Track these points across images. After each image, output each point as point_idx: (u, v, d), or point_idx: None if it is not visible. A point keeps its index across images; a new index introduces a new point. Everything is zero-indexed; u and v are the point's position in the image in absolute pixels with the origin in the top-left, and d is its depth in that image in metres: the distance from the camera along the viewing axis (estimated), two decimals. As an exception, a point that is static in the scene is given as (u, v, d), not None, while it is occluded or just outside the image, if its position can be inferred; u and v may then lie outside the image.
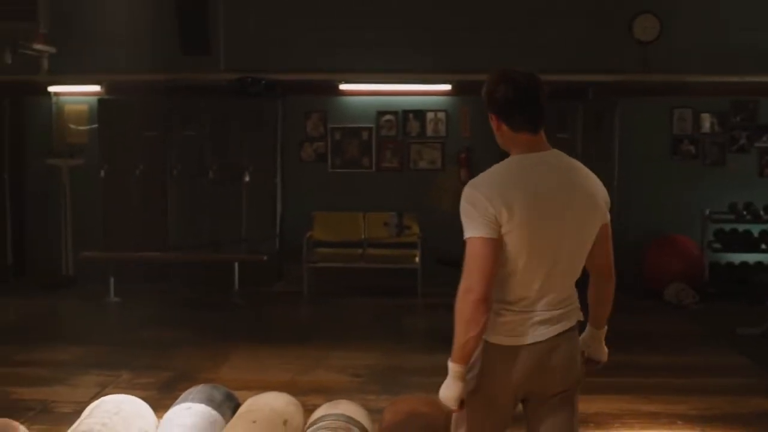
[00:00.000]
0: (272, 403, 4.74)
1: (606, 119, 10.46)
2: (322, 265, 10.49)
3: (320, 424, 4.43)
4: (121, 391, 5.40)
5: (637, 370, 6.97)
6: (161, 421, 4.61)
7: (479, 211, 2.94)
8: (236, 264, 9.89)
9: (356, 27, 10.80)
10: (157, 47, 10.54)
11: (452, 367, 2.97)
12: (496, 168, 3.09)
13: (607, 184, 10.72)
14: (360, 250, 10.75)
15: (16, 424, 4.52)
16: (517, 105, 3.06)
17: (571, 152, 10.34)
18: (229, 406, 4.86)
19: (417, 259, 10.33)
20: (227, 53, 10.82)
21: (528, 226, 2.96)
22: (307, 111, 11.14)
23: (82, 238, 10.81)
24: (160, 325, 8.75)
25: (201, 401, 4.75)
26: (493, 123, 3.14)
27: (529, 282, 3.01)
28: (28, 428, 4.98)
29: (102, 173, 10.81)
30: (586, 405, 5.84)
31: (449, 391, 2.98)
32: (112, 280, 9.84)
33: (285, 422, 4.50)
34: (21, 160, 11.26)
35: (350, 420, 4.49)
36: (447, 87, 10.89)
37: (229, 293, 9.83)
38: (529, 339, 3.02)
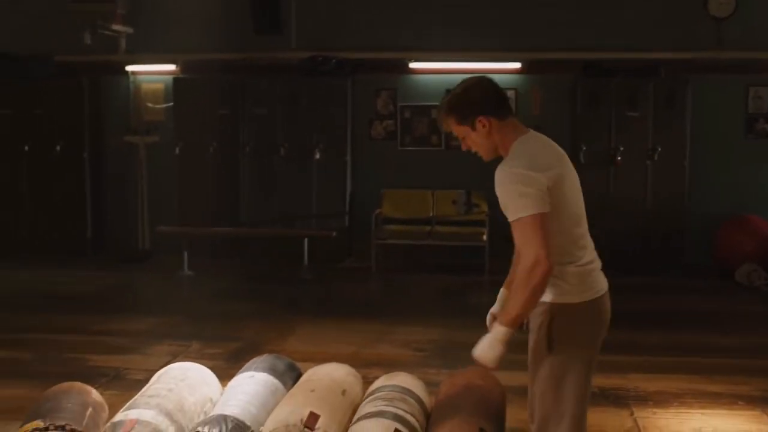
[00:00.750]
0: (332, 373, 4.87)
1: (678, 98, 10.30)
2: (390, 241, 10.61)
3: (377, 394, 4.54)
4: (190, 360, 5.56)
5: (703, 350, 6.95)
6: (225, 388, 4.79)
7: (534, 188, 3.10)
8: (306, 240, 10.06)
9: (426, 5, 10.85)
10: (230, 27, 10.77)
11: (505, 331, 3.17)
12: (524, 148, 3.25)
13: (679, 163, 10.63)
14: (428, 228, 10.83)
15: (89, 388, 4.74)
16: (494, 94, 3.30)
17: (643, 131, 10.22)
18: (291, 376, 5.00)
19: (484, 237, 10.36)
20: (299, 32, 10.99)
21: (571, 190, 3.25)
22: (377, 89, 11.24)
23: (158, 214, 11.12)
24: (230, 298, 9.00)
25: (264, 370, 4.91)
26: (482, 127, 3.28)
27: (584, 239, 3.32)
28: (102, 393, 5.20)
29: (177, 150, 11.08)
30: (645, 383, 5.92)
31: (494, 352, 3.19)
32: (185, 254, 10.11)
33: (343, 392, 4.63)
34: (100, 138, 11.61)
35: (406, 391, 4.59)
36: (517, 65, 10.85)
37: (299, 268, 10.02)
38: (605, 285, 3.33)
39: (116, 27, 10.71)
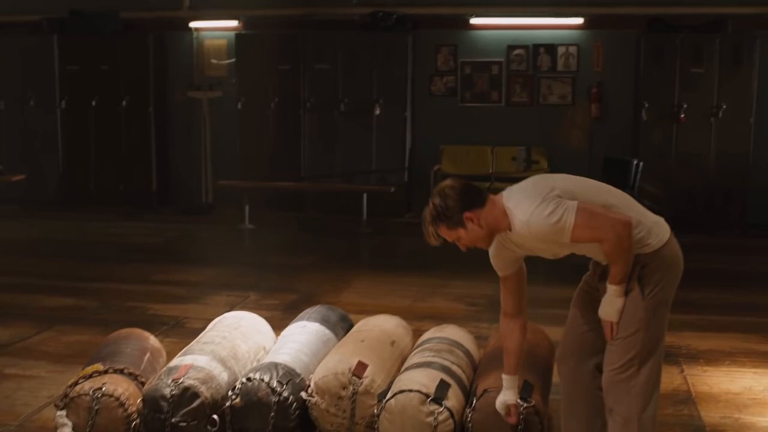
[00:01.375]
0: (382, 324, 4.97)
1: (745, 54, 10.06)
2: (448, 197, 10.61)
3: (425, 346, 4.63)
4: (247, 310, 5.70)
5: (760, 309, 6.87)
6: (278, 337, 4.92)
7: (553, 203, 3.29)
8: (364, 194, 10.14)
9: (488, -40, 10.76)
10: (292, -18, 10.83)
11: (618, 288, 3.36)
12: (516, 199, 3.41)
13: (744, 121, 10.42)
14: (487, 184, 10.81)
15: (147, 334, 4.93)
16: (468, 188, 3.44)
17: (707, 88, 9.98)
18: (342, 327, 5.12)
19: (543, 194, 10.29)
20: (360, -13, 11.01)
21: (583, 193, 3.42)
22: (437, 45, 11.20)
23: (221, 168, 11.31)
24: (288, 251, 9.16)
25: (316, 320, 5.03)
26: (471, 222, 3.39)
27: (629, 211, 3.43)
28: (161, 341, 5.40)
29: (239, 105, 11.22)
30: (698, 342, 5.90)
31: (616, 305, 3.38)
32: (246, 207, 10.28)
33: (392, 343, 4.72)
34: (164, 93, 11.81)
35: (454, 343, 4.67)
36: (579, 20, 10.71)
37: (357, 222, 10.12)
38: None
39: (180, -17, 10.86)
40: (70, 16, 11.47)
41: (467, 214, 3.36)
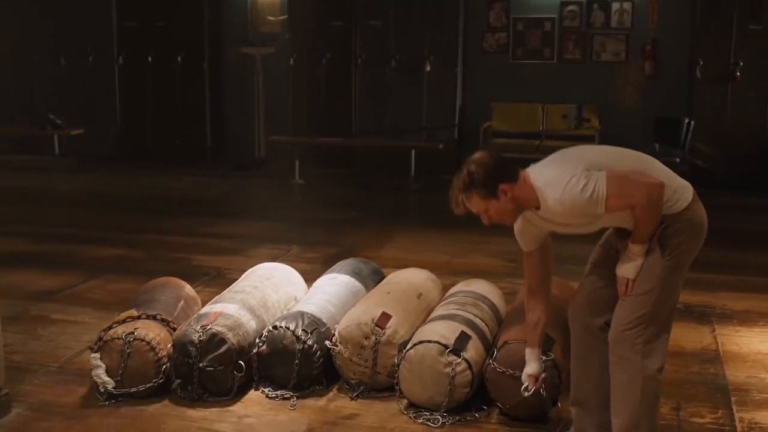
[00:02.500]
0: (411, 277, 5.05)
1: (805, 10, 9.81)
2: (497, 155, 10.60)
3: (451, 299, 4.70)
4: (289, 262, 5.82)
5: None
6: (310, 288, 5.04)
7: (583, 178, 3.28)
8: (413, 151, 10.19)
9: None
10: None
11: (641, 247, 3.38)
12: (547, 174, 3.41)
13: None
14: (537, 142, 10.78)
15: (183, 283, 5.09)
16: (503, 161, 3.46)
17: (765, 46, 9.72)
18: (374, 280, 5.21)
19: (594, 152, 10.22)
20: (412, -57, 10.95)
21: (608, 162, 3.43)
22: (489, 0, 11.12)
23: (273, 123, 11.44)
24: (335, 206, 9.28)
25: (347, 273, 5.14)
26: (504, 195, 3.38)
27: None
28: (202, 290, 5.60)
29: (291, 61, 11.31)
30: (733, 302, 5.87)
31: (636, 263, 3.40)
32: (297, 162, 10.41)
33: (419, 296, 4.81)
34: (218, 49, 11.96)
35: (481, 297, 4.74)
36: (635, -24, 10.54)
37: (407, 179, 10.18)
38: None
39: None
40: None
41: (502, 186, 3.36)
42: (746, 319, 5.57)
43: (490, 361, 4.06)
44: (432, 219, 8.82)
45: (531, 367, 3.77)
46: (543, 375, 3.77)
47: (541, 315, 3.74)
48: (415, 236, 7.93)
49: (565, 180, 3.30)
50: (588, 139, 10.42)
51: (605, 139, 10.11)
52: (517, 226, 3.59)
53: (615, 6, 10.74)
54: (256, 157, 11.60)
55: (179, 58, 11.68)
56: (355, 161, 11.20)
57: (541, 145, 10.68)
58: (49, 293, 6.02)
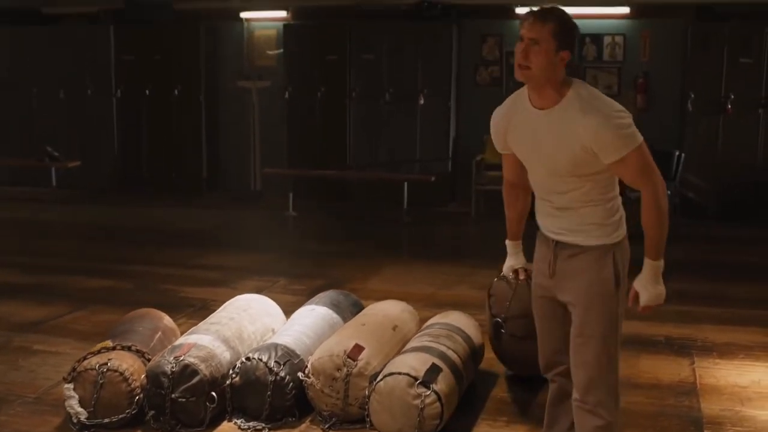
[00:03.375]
0: (387, 309, 5.08)
1: (794, 43, 9.87)
2: (490, 187, 10.62)
3: (426, 331, 4.73)
4: (274, 294, 5.85)
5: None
6: (288, 320, 5.07)
7: (629, 118, 3.10)
8: (405, 183, 10.24)
9: (534, -51, 10.71)
10: (339, -26, 10.96)
11: (661, 264, 3.18)
12: (592, 91, 3.20)
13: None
14: (530, 175, 10.79)
15: (162, 314, 5.13)
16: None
17: (756, 78, 9.79)
18: (352, 312, 5.24)
19: (585, 186, 10.25)
20: (406, -21, 11.08)
21: None
22: (482, 35, 11.22)
23: (269, 156, 11.53)
24: (327, 238, 9.32)
25: (325, 305, 5.17)
26: (562, 58, 3.17)
27: None
28: (186, 322, 5.65)
29: (286, 95, 11.42)
30: (716, 334, 5.88)
31: (660, 287, 3.20)
32: (291, 195, 10.47)
33: (395, 327, 4.83)
34: (215, 83, 12.06)
35: (455, 329, 4.76)
36: (626, 10, 10.61)
37: (399, 211, 10.22)
38: None
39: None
40: (126, 6, 11.80)
41: (566, 51, 3.17)
42: (726, 351, 5.56)
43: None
44: (421, 251, 8.88)
45: (513, 260, 3.76)
46: (526, 267, 3.73)
47: (522, 207, 3.68)
48: (403, 268, 7.96)
49: (617, 107, 3.12)
50: (580, 172, 10.46)
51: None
52: (497, 118, 3.50)
53: (607, 39, 10.83)
54: (252, 190, 11.67)
55: (176, 91, 11.80)
56: (350, 193, 11.26)
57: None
58: (33, 324, 6.06)
